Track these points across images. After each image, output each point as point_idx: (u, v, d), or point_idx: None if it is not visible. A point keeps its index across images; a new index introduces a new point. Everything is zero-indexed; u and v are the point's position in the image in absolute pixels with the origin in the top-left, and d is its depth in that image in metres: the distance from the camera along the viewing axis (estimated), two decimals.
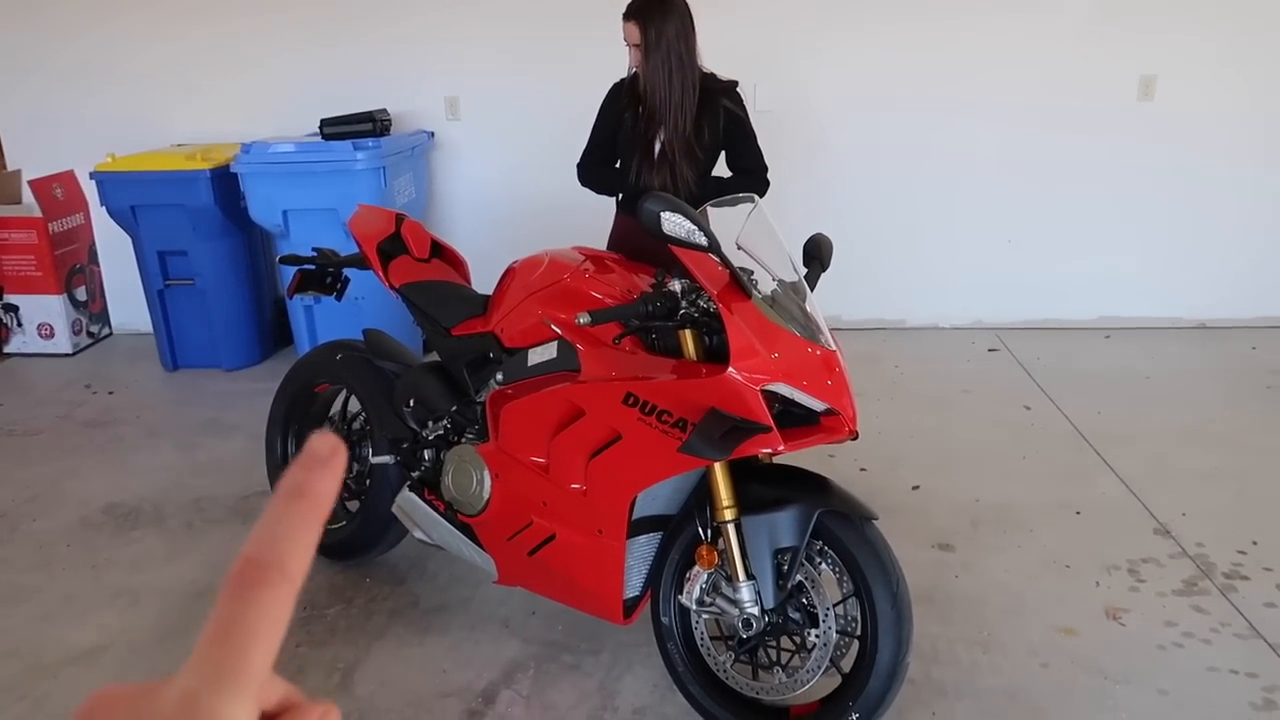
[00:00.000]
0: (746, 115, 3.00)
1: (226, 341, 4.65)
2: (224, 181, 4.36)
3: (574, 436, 2.13)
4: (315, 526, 0.37)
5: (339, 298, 3.01)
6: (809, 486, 2.06)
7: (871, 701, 1.98)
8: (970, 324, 5.01)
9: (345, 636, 2.57)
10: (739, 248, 2.11)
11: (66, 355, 4.95)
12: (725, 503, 2.03)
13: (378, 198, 4.15)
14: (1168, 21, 4.53)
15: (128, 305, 5.15)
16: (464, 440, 2.48)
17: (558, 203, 4.47)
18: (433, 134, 4.88)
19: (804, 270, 2.14)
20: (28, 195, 4.89)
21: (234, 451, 3.73)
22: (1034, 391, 4.14)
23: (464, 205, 5.04)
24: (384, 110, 4.52)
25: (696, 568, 2.09)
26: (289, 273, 3.03)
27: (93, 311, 5.16)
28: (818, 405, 1.91)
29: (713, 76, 2.97)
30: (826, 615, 2.03)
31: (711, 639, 2.20)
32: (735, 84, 3.00)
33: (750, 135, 3.01)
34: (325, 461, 0.38)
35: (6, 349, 4.98)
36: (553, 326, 2.22)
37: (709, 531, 2.09)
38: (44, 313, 4.91)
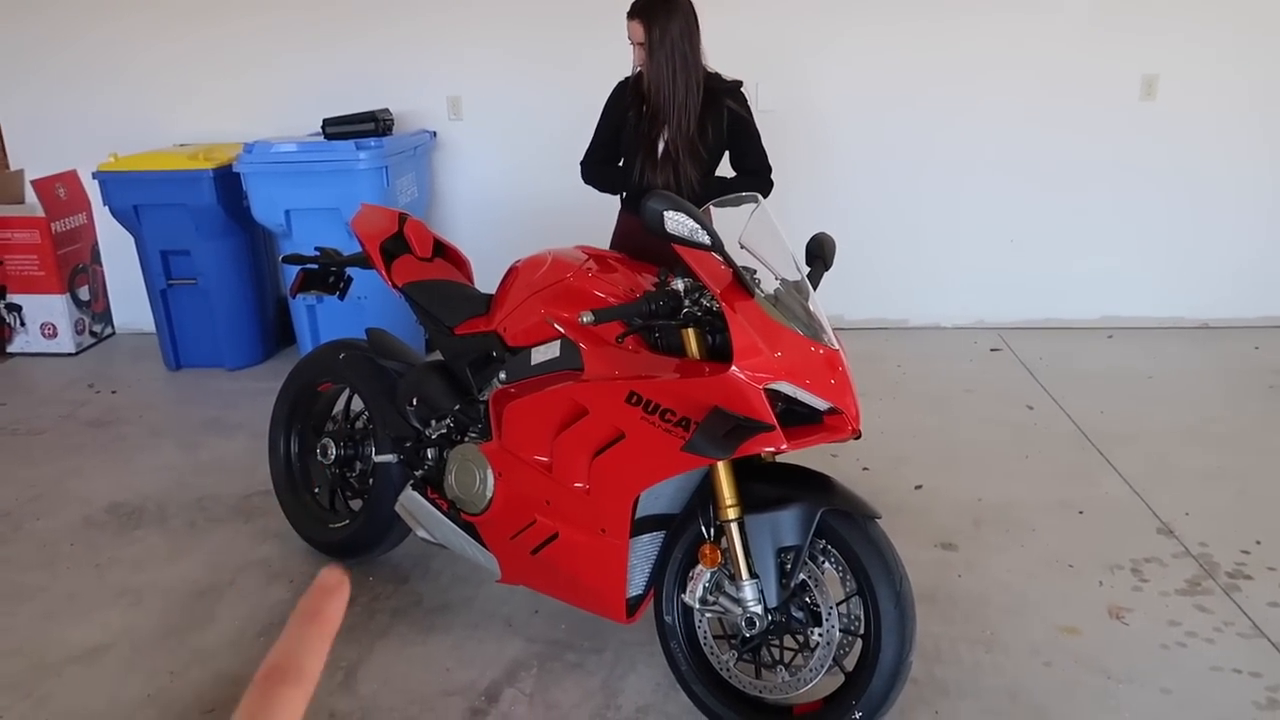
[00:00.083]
0: (751, 116, 3.00)
1: (229, 341, 4.66)
2: (227, 181, 4.37)
3: (577, 435, 2.13)
4: (327, 642, 0.46)
5: (342, 297, 3.01)
6: (812, 485, 2.06)
7: (874, 700, 1.98)
8: (972, 323, 5.01)
9: (348, 635, 2.57)
10: (741, 247, 2.11)
11: (69, 355, 4.96)
12: (728, 501, 2.03)
13: (380, 197, 4.16)
14: (1170, 21, 4.53)
15: (130, 305, 5.15)
16: (467, 439, 2.48)
17: (560, 202, 4.48)
18: (435, 133, 4.89)
19: (807, 269, 2.13)
20: (31, 195, 4.90)
21: (237, 451, 3.73)
22: (1036, 391, 4.14)
23: (466, 204, 5.04)
24: (386, 110, 4.52)
25: (699, 566, 2.09)
26: (291, 272, 3.04)
27: (95, 311, 5.17)
28: (821, 404, 1.91)
29: (717, 76, 2.97)
30: (829, 614, 2.03)
31: (714, 638, 2.20)
32: (739, 84, 2.99)
33: (754, 136, 3.01)
34: (334, 591, 0.47)
35: (10, 348, 4.99)
36: (555, 325, 2.22)
37: (712, 530, 2.09)
38: (47, 312, 4.91)
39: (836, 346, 1.97)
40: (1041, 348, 4.66)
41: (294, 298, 3.24)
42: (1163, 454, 3.50)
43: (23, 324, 4.95)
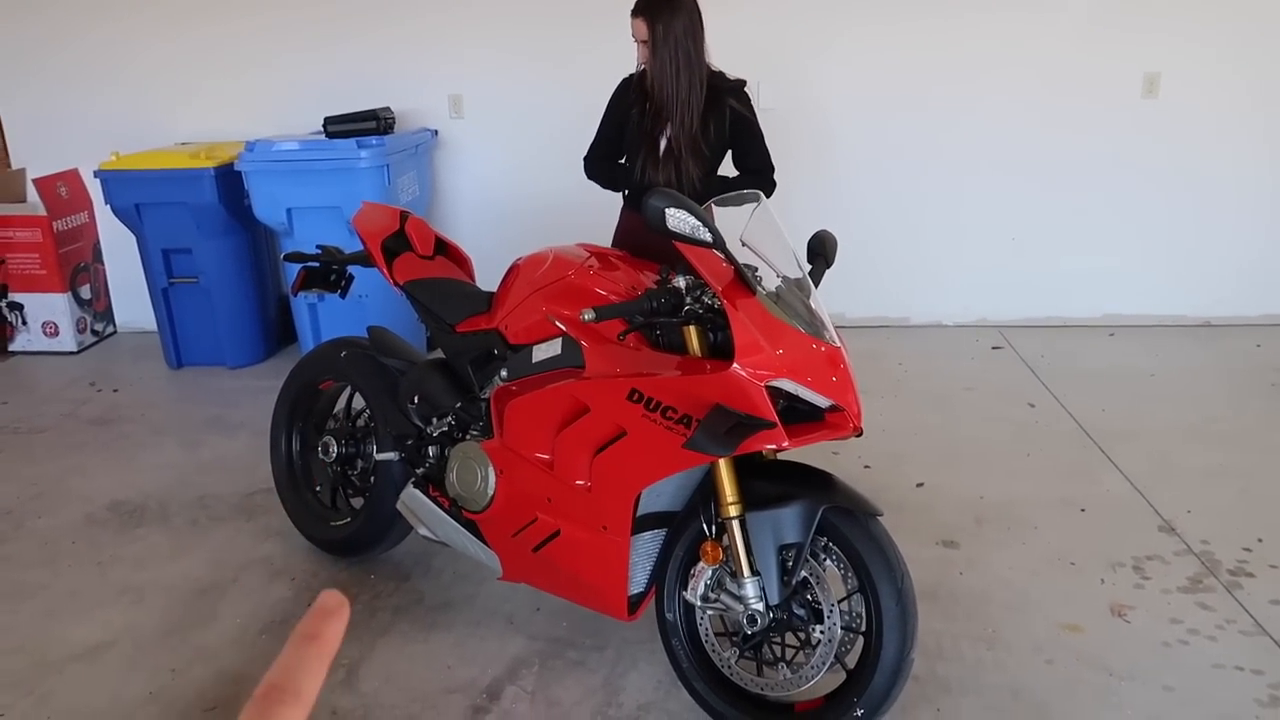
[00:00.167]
0: (754, 115, 3.00)
1: (231, 339, 4.66)
2: (228, 179, 4.37)
3: (578, 433, 2.13)
4: (325, 664, 0.46)
5: (343, 295, 3.01)
6: (813, 483, 2.06)
7: (876, 698, 1.98)
8: (974, 321, 5.01)
9: (350, 633, 2.57)
10: (743, 244, 2.11)
11: (71, 353, 4.96)
12: (730, 499, 2.03)
13: (381, 195, 4.16)
14: (1171, 19, 4.52)
15: (132, 303, 5.15)
16: (468, 437, 2.48)
17: (561, 200, 4.48)
18: (436, 132, 4.89)
19: (808, 267, 2.13)
20: (32, 194, 4.91)
21: (238, 449, 3.74)
22: (1038, 389, 4.13)
23: (468, 203, 5.04)
24: (388, 108, 4.53)
25: (701, 564, 2.09)
26: (293, 270, 3.03)
27: (97, 309, 5.17)
28: (822, 401, 1.91)
29: (721, 75, 2.97)
30: (831, 611, 2.03)
31: (716, 635, 2.20)
32: (743, 83, 2.99)
33: (757, 135, 3.01)
34: (333, 613, 0.48)
35: (11, 347, 5.00)
36: (557, 323, 2.22)
37: (713, 528, 2.09)
38: (49, 311, 4.91)
39: (838, 344, 1.97)
40: (1043, 346, 4.66)
41: (295, 296, 3.24)
42: (1164, 452, 3.50)
43: (24, 322, 4.95)
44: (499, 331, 2.40)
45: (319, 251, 2.91)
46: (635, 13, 2.90)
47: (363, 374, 2.79)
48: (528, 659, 2.46)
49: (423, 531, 2.60)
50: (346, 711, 2.28)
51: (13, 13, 4.91)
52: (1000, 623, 2.55)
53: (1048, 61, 4.61)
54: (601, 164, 3.13)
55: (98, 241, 5.16)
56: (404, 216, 2.80)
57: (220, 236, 4.51)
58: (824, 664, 2.04)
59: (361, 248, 2.78)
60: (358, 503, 2.91)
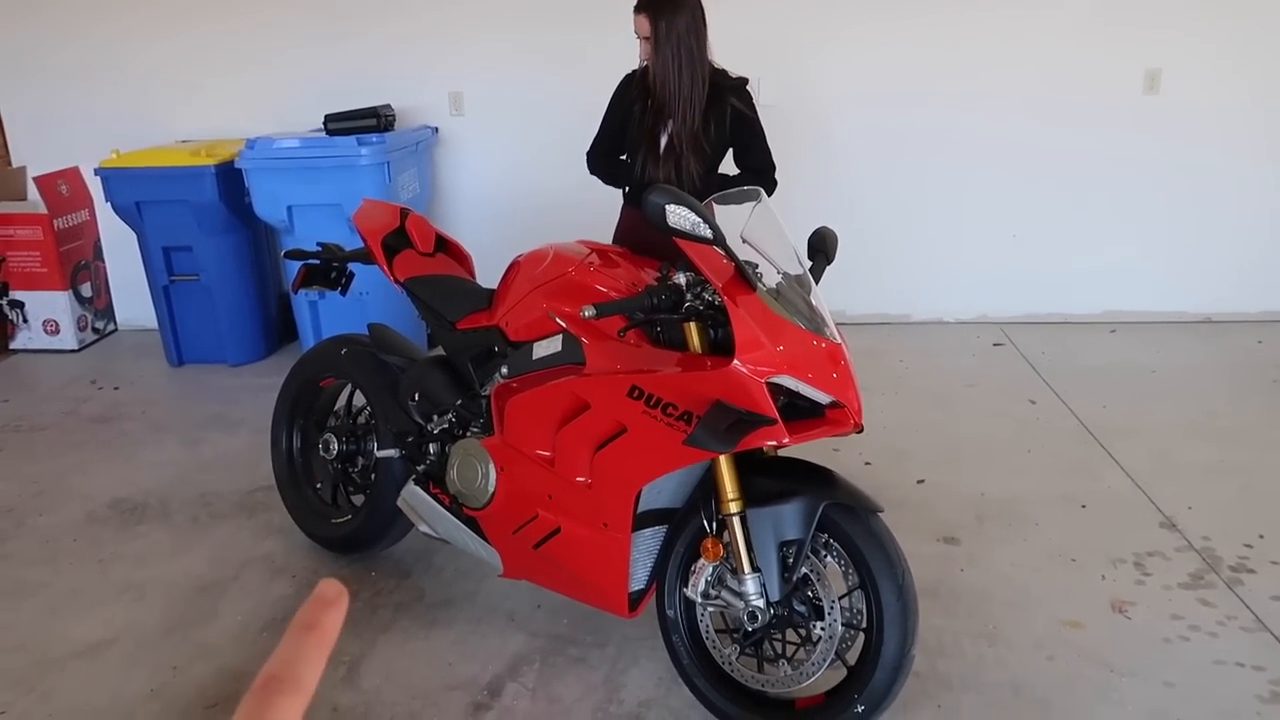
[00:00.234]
0: (756, 114, 2.99)
1: (231, 337, 4.66)
2: (229, 177, 4.36)
3: (579, 430, 2.13)
4: (324, 653, 0.46)
5: (344, 292, 3.01)
6: (814, 479, 2.05)
7: (877, 694, 1.98)
8: (975, 318, 5.00)
9: (351, 630, 2.57)
10: (744, 241, 2.11)
11: (72, 351, 4.96)
12: (730, 495, 2.03)
13: (382, 193, 4.16)
14: (1173, 14, 4.51)
15: (133, 301, 5.15)
16: (469, 434, 2.48)
17: (562, 198, 4.48)
18: (437, 129, 4.88)
19: (809, 263, 2.13)
20: (33, 192, 4.90)
21: (239, 446, 3.74)
22: (1039, 386, 4.13)
23: (468, 200, 5.04)
24: (388, 106, 4.52)
25: (701, 560, 2.08)
26: (294, 268, 3.03)
27: (98, 307, 5.17)
28: (823, 398, 1.91)
29: (723, 73, 2.96)
30: (832, 608, 2.03)
31: (717, 632, 2.20)
32: (745, 81, 2.99)
33: (759, 134, 3.00)
34: (332, 603, 0.47)
35: (12, 345, 5.00)
36: (557, 320, 2.22)
37: (714, 524, 2.09)
38: (49, 309, 4.92)
39: (839, 340, 1.97)
40: (1044, 342, 4.65)
41: (296, 293, 3.24)
42: (1165, 448, 3.50)
43: (25, 320, 4.96)
44: (499, 328, 2.40)
45: (319, 249, 2.91)
46: (638, 9, 2.89)
47: (363, 371, 2.79)
48: (529, 656, 2.46)
49: (423, 529, 2.60)
50: (347, 708, 2.28)
51: (13, 11, 4.91)
52: (1001, 619, 2.55)
53: (1049, 58, 4.61)
54: (603, 160, 3.13)
55: (98, 239, 5.16)
56: (404, 214, 2.80)
57: (221, 234, 4.51)
58: (825, 661, 2.03)
59: (362, 245, 2.78)
60: (358, 500, 2.91)
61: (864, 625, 2.02)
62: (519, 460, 2.26)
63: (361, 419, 2.92)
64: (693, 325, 2.02)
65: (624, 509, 2.10)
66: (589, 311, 1.95)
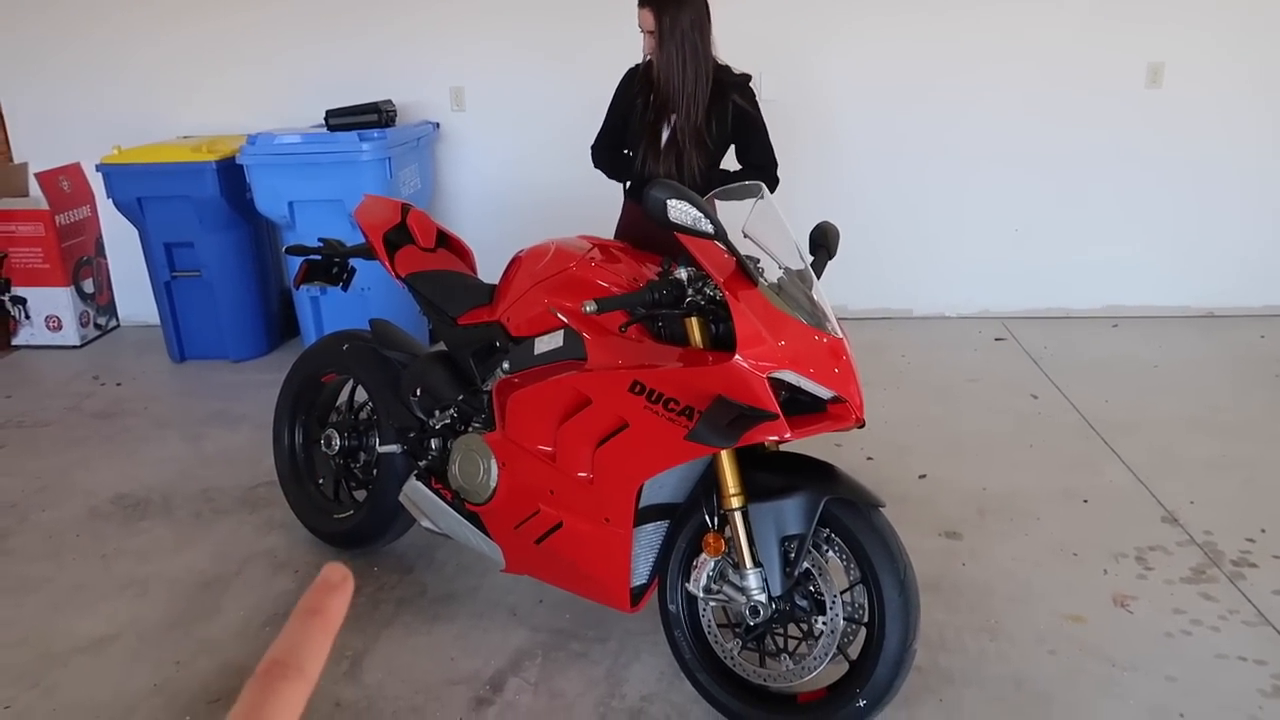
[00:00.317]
0: (758, 111, 2.99)
1: (233, 333, 4.66)
2: (230, 173, 4.36)
3: (581, 425, 2.13)
4: (328, 639, 0.46)
5: (345, 288, 3.02)
6: (816, 474, 2.05)
7: (879, 689, 1.98)
8: (977, 313, 5.00)
9: (353, 625, 2.58)
10: (745, 236, 2.11)
11: (74, 347, 4.97)
12: (732, 490, 2.03)
13: (383, 188, 4.16)
14: (1175, 8, 4.50)
15: (135, 297, 5.16)
16: (471, 429, 2.48)
17: (563, 193, 4.48)
18: (438, 125, 4.88)
19: (810, 258, 2.13)
20: (35, 188, 4.91)
21: (241, 442, 3.74)
22: (1041, 380, 4.13)
23: (469, 195, 5.04)
24: (389, 101, 4.52)
25: (703, 555, 2.09)
26: (295, 263, 3.03)
27: (100, 303, 5.18)
28: (824, 393, 1.91)
29: (727, 69, 2.95)
30: (834, 603, 2.03)
31: (719, 626, 2.20)
32: (748, 78, 2.98)
33: (761, 130, 2.99)
34: (337, 587, 0.47)
35: (15, 341, 5.00)
36: (559, 315, 2.22)
37: (716, 519, 2.09)
38: (51, 305, 4.92)
39: (840, 335, 1.96)
40: (1046, 337, 4.65)
41: (297, 289, 3.24)
42: (1167, 443, 3.49)
43: (27, 317, 4.96)
44: (501, 324, 2.40)
45: (321, 244, 2.91)
46: (643, 3, 2.88)
47: (365, 367, 2.79)
48: (530, 651, 2.46)
49: (425, 524, 2.60)
50: (350, 703, 2.29)
51: (15, 8, 4.91)
52: (1003, 614, 2.55)
53: (1051, 52, 4.60)
54: (607, 154, 3.12)
55: (100, 235, 5.16)
56: (406, 209, 2.80)
57: (222, 230, 4.51)
58: (826, 655, 2.04)
59: (363, 241, 2.78)
60: (360, 495, 2.92)
61: (866, 620, 2.02)
62: (521, 455, 2.27)
63: (363, 414, 2.92)
64: (694, 320, 2.02)
65: (626, 504, 2.10)
66: (590, 307, 1.95)
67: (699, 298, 2.01)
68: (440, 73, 4.85)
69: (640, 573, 2.24)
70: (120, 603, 2.73)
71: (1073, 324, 4.86)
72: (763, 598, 2.04)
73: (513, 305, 2.37)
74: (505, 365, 2.34)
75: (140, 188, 4.38)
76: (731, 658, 2.18)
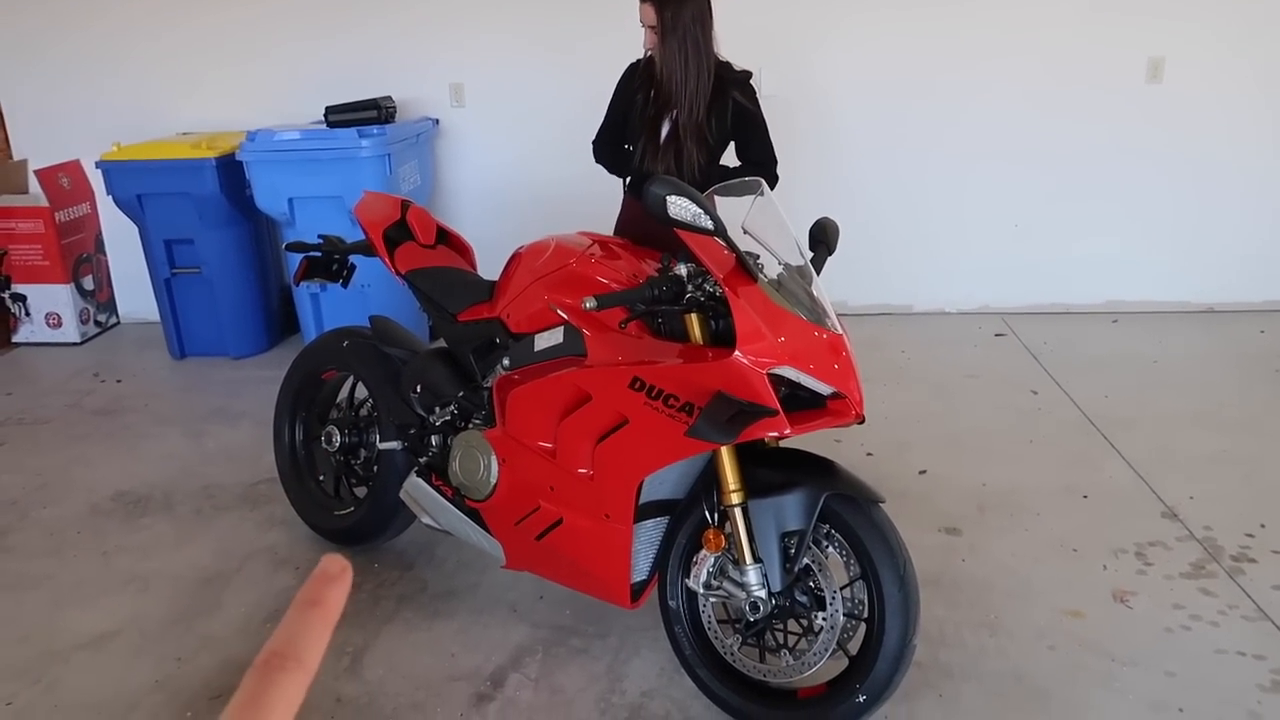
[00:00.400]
0: (758, 108, 2.98)
1: (233, 329, 4.66)
2: (230, 170, 4.36)
3: (581, 421, 2.13)
4: (327, 630, 0.46)
5: (345, 284, 3.01)
6: (816, 470, 2.06)
7: (878, 684, 1.98)
8: (977, 309, 5.00)
9: (354, 621, 2.58)
10: (745, 232, 2.11)
11: (74, 344, 4.97)
12: (732, 486, 2.03)
13: (383, 185, 4.15)
14: (1176, 1, 4.49)
15: (135, 294, 5.16)
16: (471, 426, 2.48)
17: (563, 189, 4.48)
18: (438, 121, 4.88)
19: (810, 254, 2.13)
20: (34, 185, 4.91)
21: (242, 439, 3.74)
22: (1041, 376, 4.13)
23: (469, 192, 5.04)
24: (389, 97, 4.52)
25: (703, 551, 2.09)
26: (295, 260, 3.03)
27: (100, 300, 5.18)
28: (824, 389, 1.91)
29: (728, 66, 2.95)
30: (833, 598, 2.03)
31: (719, 622, 2.20)
32: (749, 75, 2.97)
33: (760, 128, 2.99)
34: (335, 579, 0.47)
35: (15, 338, 5.00)
36: (559, 311, 2.22)
37: (716, 515, 2.10)
38: (51, 302, 4.92)
39: (840, 331, 1.96)
40: (1046, 332, 4.65)
41: (297, 286, 3.24)
42: (1167, 438, 3.50)
43: (28, 314, 4.96)
44: (501, 320, 2.40)
45: (321, 241, 2.91)
46: None
47: (365, 363, 2.79)
48: (531, 647, 2.47)
49: (426, 520, 2.61)
50: (351, 699, 2.29)
51: (14, 4, 4.90)
52: (1002, 609, 2.55)
53: (1051, 47, 4.59)
54: (608, 149, 3.12)
55: (100, 232, 5.16)
56: (405, 206, 2.80)
57: (222, 227, 4.51)
58: (826, 651, 2.04)
59: (363, 237, 2.78)
60: (361, 492, 2.92)
61: (865, 615, 2.03)
62: (521, 452, 2.27)
63: (363, 411, 2.92)
64: (694, 316, 2.02)
65: (626, 500, 2.11)
66: (590, 303, 1.95)
67: (699, 294, 2.01)
68: (440, 69, 4.85)
69: (640, 569, 2.24)
70: (121, 599, 2.73)
71: (1073, 319, 4.86)
72: (763, 593, 2.04)
73: (513, 302, 2.37)
74: (505, 362, 2.34)
75: (140, 184, 4.38)
76: (731, 653, 2.18)
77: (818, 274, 2.08)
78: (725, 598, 2.13)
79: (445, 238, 2.83)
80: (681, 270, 2.02)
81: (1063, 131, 4.69)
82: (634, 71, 3.05)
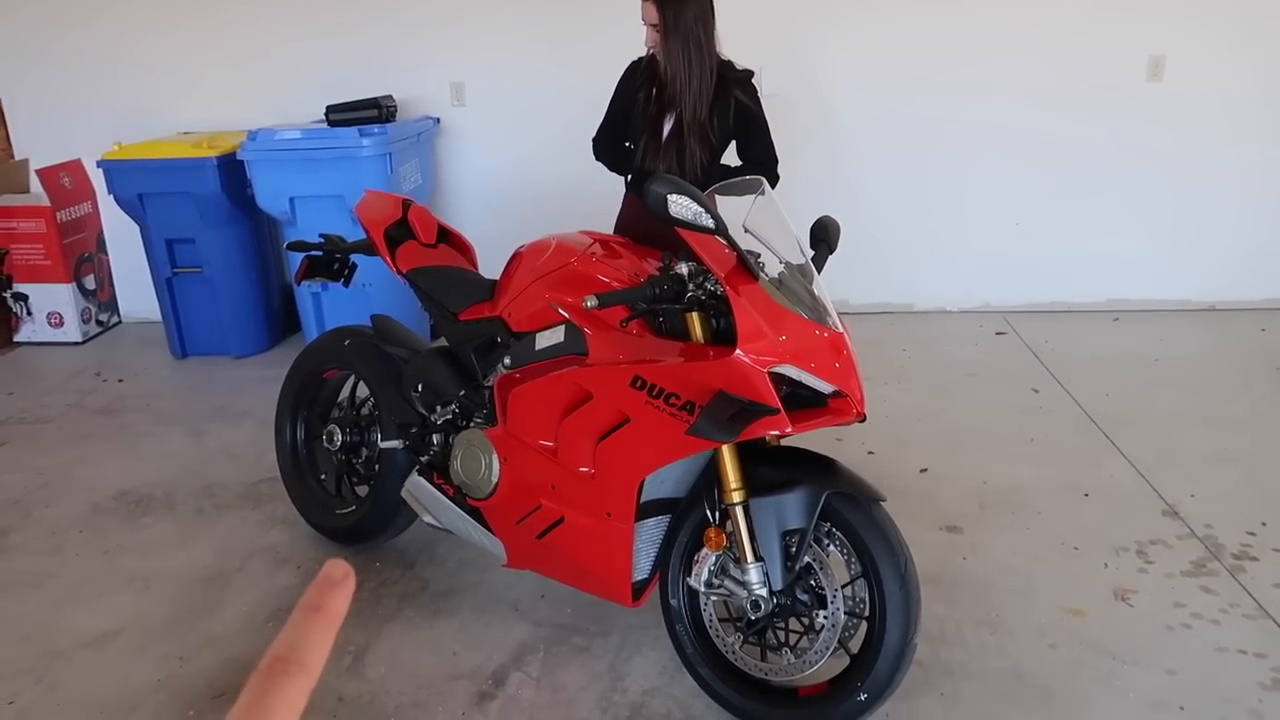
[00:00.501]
0: (760, 108, 2.98)
1: (235, 328, 4.67)
2: (231, 169, 4.36)
3: (582, 420, 2.13)
4: (330, 634, 0.46)
5: (346, 284, 3.02)
6: (817, 468, 2.06)
7: (879, 682, 1.99)
8: (978, 307, 5.00)
9: (356, 620, 2.58)
10: (746, 230, 2.11)
11: (76, 344, 4.97)
12: (733, 485, 2.03)
13: (384, 184, 4.16)
14: (1177, 0, 4.49)
15: (136, 293, 5.17)
16: (472, 424, 2.49)
17: (564, 188, 4.48)
18: (438, 120, 4.88)
19: (811, 253, 2.13)
20: (36, 184, 4.91)
21: (243, 438, 3.75)
22: (1042, 374, 4.13)
23: (470, 191, 5.04)
24: (390, 96, 4.52)
25: (705, 550, 2.09)
26: (296, 259, 3.04)
27: (101, 300, 5.18)
28: (825, 387, 1.91)
29: (730, 65, 2.95)
30: (834, 596, 2.03)
31: (720, 621, 2.20)
32: (750, 74, 2.97)
33: (762, 127, 2.99)
34: (339, 584, 0.47)
35: (17, 338, 5.01)
36: (560, 310, 2.22)
37: (717, 514, 2.10)
38: (53, 301, 4.92)
39: (841, 330, 1.97)
40: (1047, 331, 4.65)
41: (299, 285, 3.24)
42: (1168, 437, 3.50)
43: (29, 313, 4.97)
44: (502, 319, 2.40)
45: (322, 240, 2.91)
46: None
47: (367, 362, 2.80)
48: (533, 645, 2.47)
49: (427, 519, 2.61)
50: (353, 697, 2.30)
51: (15, 3, 4.91)
52: (1003, 607, 2.55)
53: (1052, 45, 4.59)
54: (609, 146, 3.12)
55: (101, 232, 5.17)
56: (406, 205, 2.80)
57: (223, 226, 4.51)
58: (827, 649, 2.04)
59: (364, 236, 2.78)
60: (363, 491, 2.92)
61: (867, 614, 2.03)
62: (522, 451, 2.27)
63: (365, 410, 2.92)
64: (695, 315, 2.02)
65: (627, 499, 2.11)
66: (591, 302, 1.96)
67: (700, 293, 2.01)
68: (441, 68, 4.85)
69: (642, 567, 2.25)
70: (123, 598, 2.74)
71: (1074, 318, 4.86)
72: (764, 592, 2.04)
73: (514, 300, 2.37)
74: (507, 360, 2.34)
75: (141, 184, 4.38)
76: (733, 652, 2.18)
77: (819, 273, 2.08)
78: (726, 596, 2.13)
79: (446, 237, 2.83)
80: (682, 269, 2.02)
81: (1064, 130, 4.68)
82: (635, 70, 3.05)
